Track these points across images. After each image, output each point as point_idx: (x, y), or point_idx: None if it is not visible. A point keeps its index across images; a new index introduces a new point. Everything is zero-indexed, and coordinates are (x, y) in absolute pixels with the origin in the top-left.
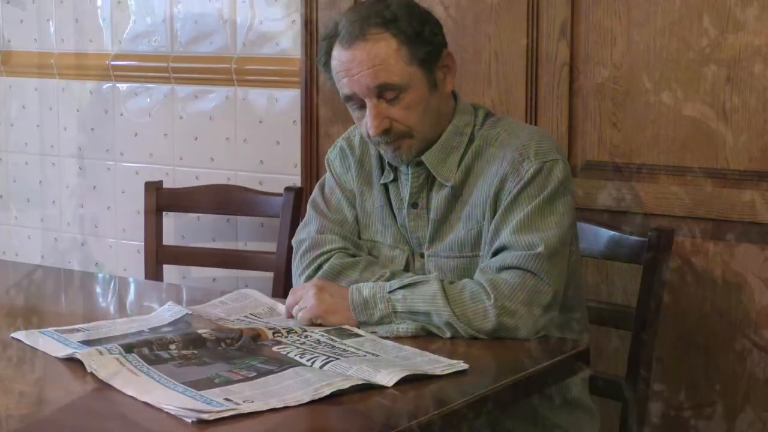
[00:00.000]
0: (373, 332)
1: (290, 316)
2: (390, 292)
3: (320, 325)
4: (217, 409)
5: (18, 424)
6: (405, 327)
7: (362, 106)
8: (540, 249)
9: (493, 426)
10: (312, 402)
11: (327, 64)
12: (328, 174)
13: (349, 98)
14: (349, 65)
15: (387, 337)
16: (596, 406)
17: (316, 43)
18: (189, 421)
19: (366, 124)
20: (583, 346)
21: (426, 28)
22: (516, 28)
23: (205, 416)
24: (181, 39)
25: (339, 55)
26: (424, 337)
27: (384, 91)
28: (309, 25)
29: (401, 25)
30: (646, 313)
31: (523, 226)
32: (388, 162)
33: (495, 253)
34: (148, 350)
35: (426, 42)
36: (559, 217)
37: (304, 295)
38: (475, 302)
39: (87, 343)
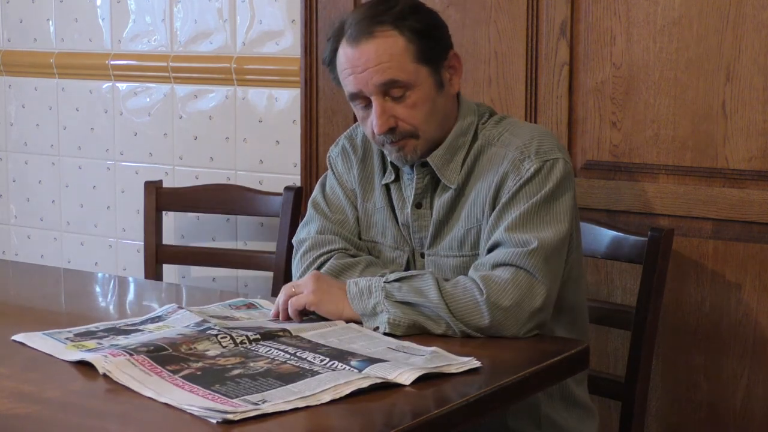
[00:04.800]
0: (375, 328)
1: (276, 316)
2: (386, 282)
3: (312, 313)
4: (241, 409)
5: (30, 426)
6: (395, 314)
7: (368, 105)
8: (534, 246)
9: (493, 425)
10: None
11: (332, 63)
12: (329, 172)
13: (354, 96)
14: (356, 62)
15: (388, 336)
16: (596, 406)
17: (316, 43)
18: (214, 421)
19: (371, 123)
20: (583, 346)
21: (433, 27)
22: (516, 28)
23: (230, 416)
24: (181, 38)
25: (345, 53)
26: (424, 337)
27: (390, 89)
28: (309, 25)
29: (409, 24)
30: (645, 312)
31: (518, 224)
32: (390, 162)
33: (489, 250)
34: (164, 351)
35: (433, 41)
36: (557, 216)
37: (302, 283)
38: (468, 298)
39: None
